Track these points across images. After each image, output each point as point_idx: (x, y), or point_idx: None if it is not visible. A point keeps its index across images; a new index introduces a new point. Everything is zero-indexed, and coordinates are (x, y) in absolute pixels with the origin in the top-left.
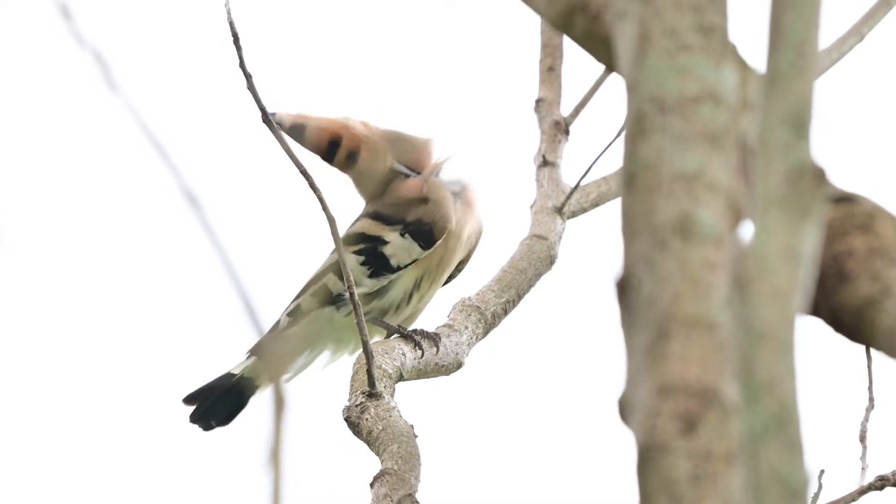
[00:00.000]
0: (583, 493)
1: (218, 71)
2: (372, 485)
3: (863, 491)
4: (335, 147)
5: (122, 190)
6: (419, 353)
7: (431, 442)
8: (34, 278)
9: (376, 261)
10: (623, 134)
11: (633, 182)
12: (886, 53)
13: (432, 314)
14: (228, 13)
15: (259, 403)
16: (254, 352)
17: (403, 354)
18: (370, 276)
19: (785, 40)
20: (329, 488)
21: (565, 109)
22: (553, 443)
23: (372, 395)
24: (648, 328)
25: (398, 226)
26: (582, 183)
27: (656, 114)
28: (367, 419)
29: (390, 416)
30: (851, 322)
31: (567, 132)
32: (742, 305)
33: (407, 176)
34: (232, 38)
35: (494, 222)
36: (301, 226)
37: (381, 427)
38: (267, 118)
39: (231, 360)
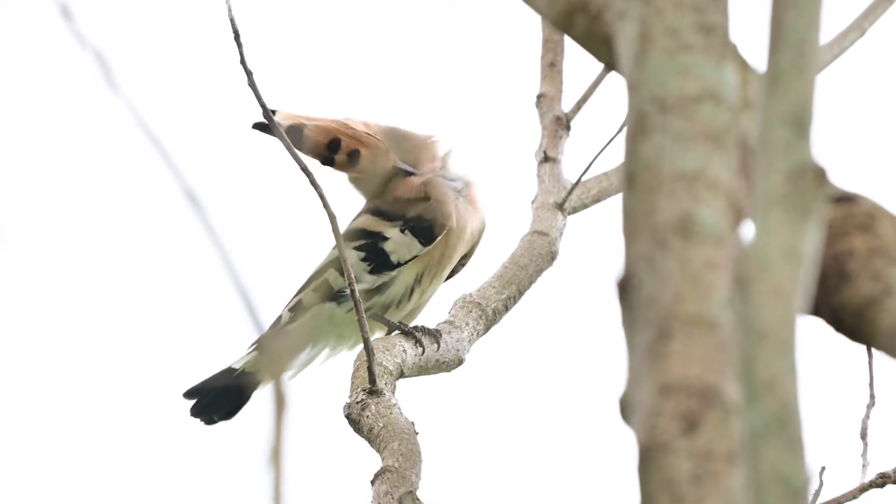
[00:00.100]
0: (583, 492)
1: (218, 71)
2: (373, 482)
3: (864, 488)
4: (335, 148)
5: (122, 189)
6: (420, 349)
7: (432, 439)
8: (34, 278)
9: (377, 257)
10: (624, 133)
11: (634, 181)
12: (887, 50)
13: (433, 310)
14: (229, 10)
15: (260, 400)
16: (255, 346)
17: (404, 351)
18: (371, 272)
19: (786, 40)
20: (330, 486)
21: (566, 105)
22: (554, 440)
23: (373, 392)
24: (649, 327)
25: (398, 222)
26: (583, 179)
27: (657, 113)
28: (367, 416)
29: (391, 414)
30: (852, 322)
31: (568, 128)
32: (743, 305)
33: (408, 174)
34: (233, 35)
35: (496, 218)
36: (302, 222)
37: (381, 424)
38: (267, 115)
39: (232, 355)
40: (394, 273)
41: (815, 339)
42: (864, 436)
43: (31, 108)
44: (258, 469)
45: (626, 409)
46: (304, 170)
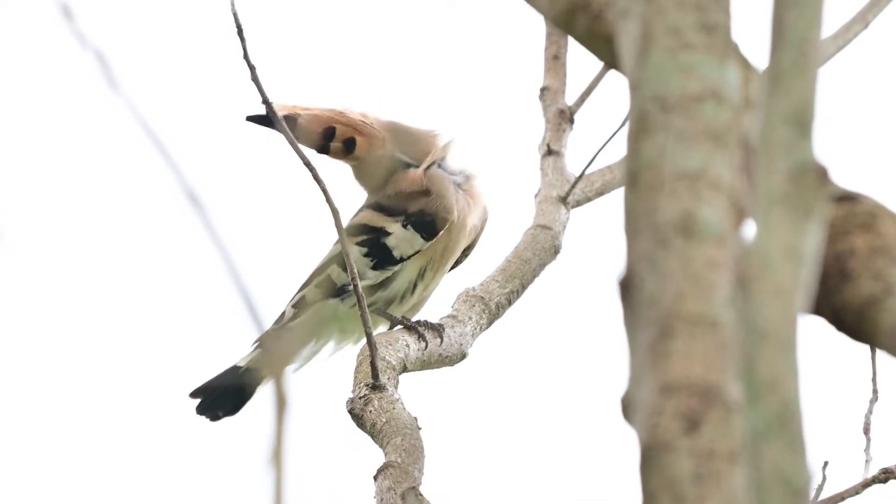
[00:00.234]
0: (585, 491)
1: (218, 70)
2: (375, 477)
3: (867, 484)
4: (330, 136)
5: (123, 189)
6: (423, 344)
7: (435, 434)
8: (35, 277)
9: (379, 252)
10: (626, 132)
11: (635, 181)
12: (888, 45)
13: (436, 305)
14: (233, 5)
15: (264, 399)
16: (259, 343)
17: (407, 346)
18: (373, 267)
19: (787, 39)
20: (333, 481)
21: (570, 98)
22: (556, 436)
23: (375, 387)
24: (651, 327)
25: (400, 217)
26: (587, 172)
27: (659, 112)
28: (370, 411)
29: (394, 409)
30: (853, 321)
31: (572, 121)
32: (744, 304)
33: (409, 167)
34: (236, 30)
35: (497, 211)
36: (303, 217)
37: (384, 419)
38: (270, 109)
39: (236, 353)
40: (396, 268)
41: (818, 334)
42: (867, 431)
43: (32, 108)
44: (260, 467)
45: (628, 408)
46: (308, 164)
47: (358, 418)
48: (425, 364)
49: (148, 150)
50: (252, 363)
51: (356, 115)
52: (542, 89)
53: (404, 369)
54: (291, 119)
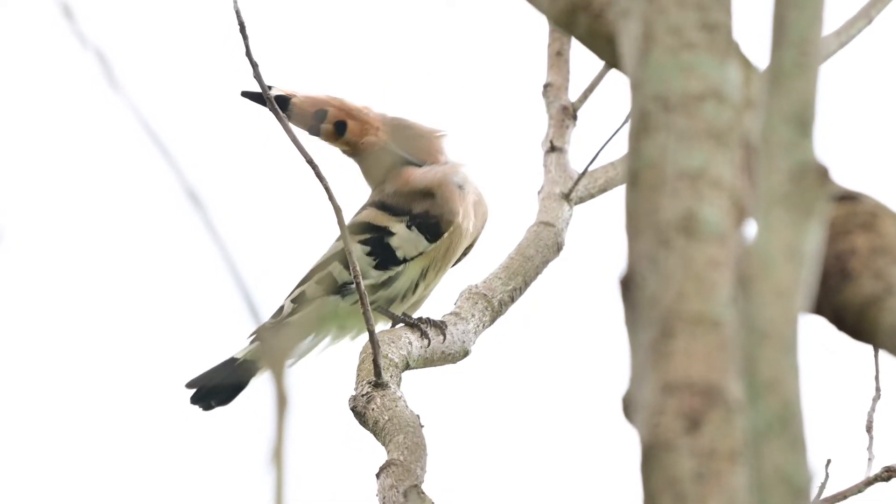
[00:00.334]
0: (587, 489)
1: (218, 70)
2: (378, 475)
3: (869, 482)
4: (321, 117)
5: (124, 188)
6: (425, 341)
7: (438, 432)
8: (36, 276)
9: (382, 251)
10: (627, 131)
11: (636, 180)
12: (889, 46)
13: (439, 302)
14: (235, 2)
15: (263, 395)
16: (256, 336)
17: (410, 343)
18: (376, 267)
19: (788, 38)
20: (334, 479)
21: (573, 94)
22: (558, 434)
23: (378, 384)
24: (652, 326)
25: (404, 217)
26: (590, 169)
27: (660, 112)
28: (373, 409)
29: (396, 406)
30: (854, 321)
31: (575, 117)
32: (745, 304)
33: (410, 163)
34: (238, 27)
35: (501, 209)
36: (304, 214)
37: (387, 417)
38: (273, 106)
39: (233, 346)
40: (399, 268)
41: (820, 333)
42: (869, 429)
43: (33, 107)
44: (261, 465)
45: (629, 407)
46: (310, 161)
47: (360, 416)
48: (428, 361)
49: (148, 148)
50: (249, 355)
51: (356, 104)
52: (545, 86)
53: (407, 367)
54: (283, 98)
